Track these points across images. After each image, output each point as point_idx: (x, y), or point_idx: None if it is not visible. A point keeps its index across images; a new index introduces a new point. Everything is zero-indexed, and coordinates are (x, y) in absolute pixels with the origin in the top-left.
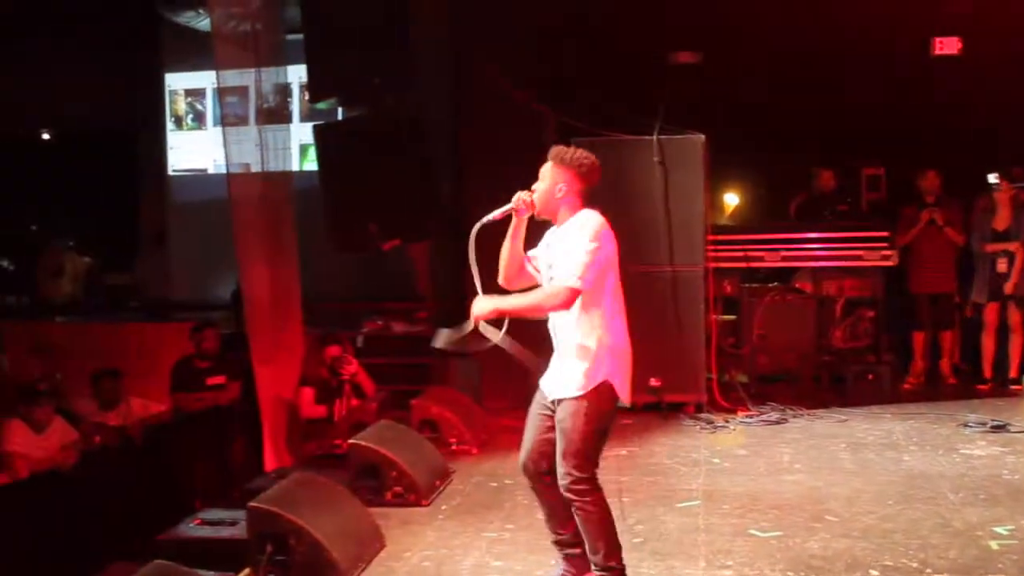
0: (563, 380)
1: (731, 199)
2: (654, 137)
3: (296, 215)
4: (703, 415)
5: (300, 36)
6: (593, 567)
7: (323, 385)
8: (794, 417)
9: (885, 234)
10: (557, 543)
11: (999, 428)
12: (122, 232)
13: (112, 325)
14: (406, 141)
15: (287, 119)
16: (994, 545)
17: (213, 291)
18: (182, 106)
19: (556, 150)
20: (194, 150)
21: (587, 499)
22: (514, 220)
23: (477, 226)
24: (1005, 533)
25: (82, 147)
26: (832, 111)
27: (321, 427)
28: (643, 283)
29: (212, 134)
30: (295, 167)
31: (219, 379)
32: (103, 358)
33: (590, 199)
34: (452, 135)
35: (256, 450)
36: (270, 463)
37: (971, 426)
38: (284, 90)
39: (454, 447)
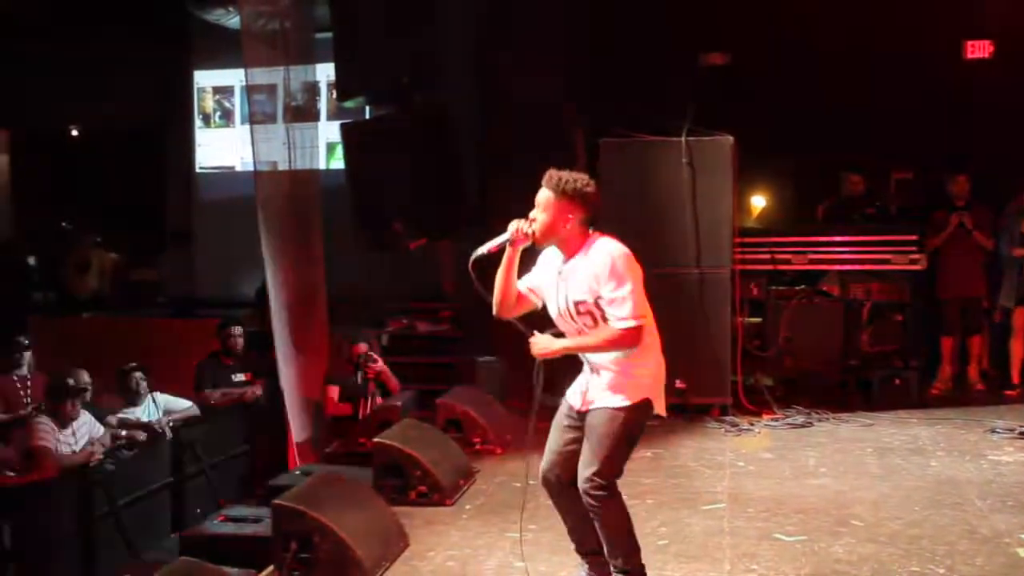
0: (602, 392)
1: (758, 201)
2: (682, 138)
3: (323, 213)
4: (728, 418)
5: (329, 34)
6: (613, 570)
7: (348, 383)
8: (819, 421)
9: (913, 238)
10: (582, 552)
11: None
12: (149, 228)
13: (138, 321)
14: (433, 139)
15: (315, 117)
16: (1022, 552)
17: (239, 289)
18: (210, 103)
19: (555, 180)
20: (222, 147)
21: (608, 504)
22: (508, 251)
23: (472, 258)
24: None
25: (110, 144)
26: (862, 114)
27: (346, 425)
28: (670, 285)
29: (240, 132)
30: (322, 165)
31: (245, 376)
32: (129, 354)
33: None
34: (479, 134)
35: (281, 448)
36: (295, 461)
37: (999, 432)
38: (312, 88)
39: (478, 447)
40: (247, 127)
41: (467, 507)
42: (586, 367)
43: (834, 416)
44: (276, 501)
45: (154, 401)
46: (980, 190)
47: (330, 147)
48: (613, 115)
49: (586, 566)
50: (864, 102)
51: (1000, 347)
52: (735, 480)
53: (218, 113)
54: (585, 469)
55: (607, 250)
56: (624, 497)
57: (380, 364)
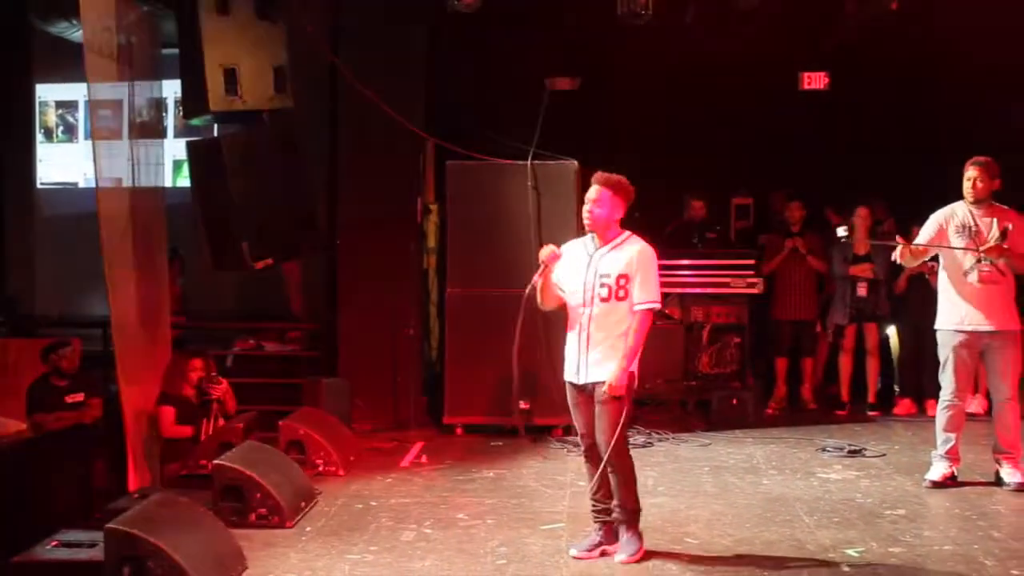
0: (608, 366)
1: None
2: (528, 162)
3: (170, 232)
4: (571, 438)
5: (176, 50)
6: (620, 512)
7: (186, 404)
8: (660, 441)
9: (751, 262)
10: (602, 511)
11: (855, 453)
12: None
13: None
14: (281, 159)
15: (161, 134)
16: (845, 567)
17: (85, 307)
18: (52, 118)
19: (608, 178)
20: (65, 163)
21: (625, 463)
22: (542, 269)
23: (526, 291)
24: (856, 555)
25: None
26: (705, 141)
27: (187, 447)
28: (514, 305)
29: (84, 147)
30: (168, 183)
31: (78, 397)
32: None
33: None
34: (328, 154)
35: (120, 470)
36: (134, 483)
37: (829, 450)
38: (159, 105)
39: (321, 468)
40: (92, 142)
41: (307, 529)
42: (590, 344)
43: (674, 436)
44: (109, 525)
45: None
46: (815, 216)
47: (177, 164)
48: (462, 139)
49: (601, 532)
50: (706, 129)
51: (834, 368)
52: (575, 500)
53: (61, 128)
54: (604, 435)
55: (640, 243)
56: (463, 517)
57: (224, 385)
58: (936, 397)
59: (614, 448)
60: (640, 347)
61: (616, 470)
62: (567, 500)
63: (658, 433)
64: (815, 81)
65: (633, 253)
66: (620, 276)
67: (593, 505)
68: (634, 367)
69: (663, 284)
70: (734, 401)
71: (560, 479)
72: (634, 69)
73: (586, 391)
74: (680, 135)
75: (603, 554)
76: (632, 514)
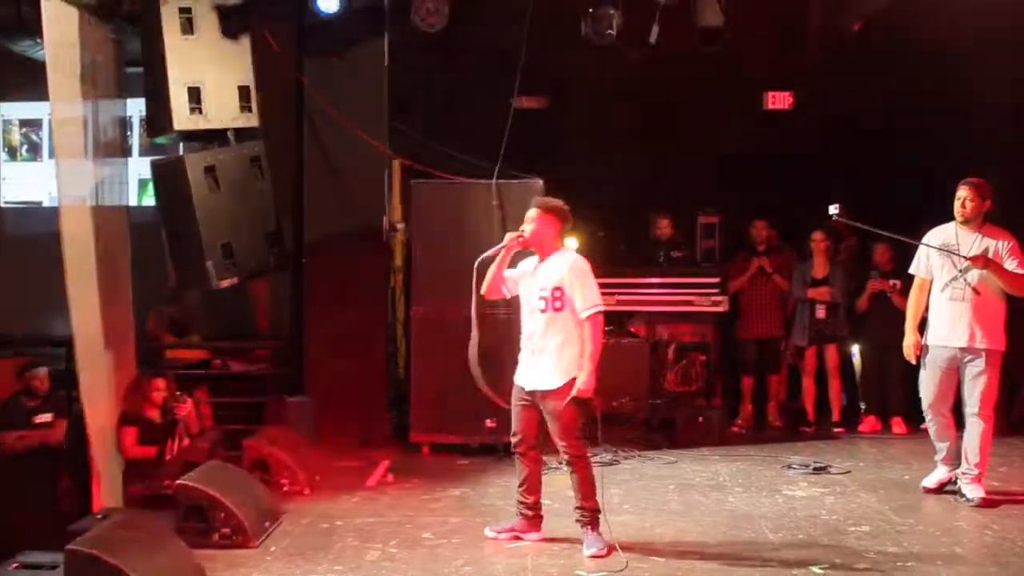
0: (552, 377)
1: (571, 243)
2: (493, 181)
3: (134, 250)
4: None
5: (140, 69)
6: (581, 513)
7: (148, 424)
8: (626, 459)
9: (716, 280)
10: (522, 504)
11: (820, 470)
12: None
13: None
14: (246, 178)
15: (126, 153)
16: None
17: (48, 327)
18: (16, 136)
19: (543, 201)
20: (28, 182)
21: (583, 463)
22: (502, 254)
23: (478, 260)
24: (820, 572)
25: None
26: (671, 159)
27: (150, 467)
28: (482, 323)
29: (48, 166)
30: (133, 201)
31: (46, 417)
32: None
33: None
34: (294, 172)
35: (85, 491)
36: (98, 504)
37: (794, 468)
38: (123, 123)
39: (286, 488)
40: (55, 161)
41: (272, 549)
42: (533, 351)
43: (640, 454)
44: (69, 546)
45: None
46: (787, 234)
47: (142, 183)
48: (427, 157)
49: (519, 519)
50: (672, 147)
51: (796, 386)
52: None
53: (25, 146)
54: (561, 443)
55: (574, 255)
56: (429, 535)
57: (189, 405)
58: (900, 414)
59: (573, 451)
60: (599, 349)
61: (576, 470)
62: None
63: (624, 451)
64: (779, 101)
65: (565, 265)
66: (555, 288)
67: (517, 497)
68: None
69: (629, 302)
70: (700, 419)
71: None
72: (599, 88)
73: (530, 396)
74: (646, 153)
75: (515, 538)
76: (593, 514)
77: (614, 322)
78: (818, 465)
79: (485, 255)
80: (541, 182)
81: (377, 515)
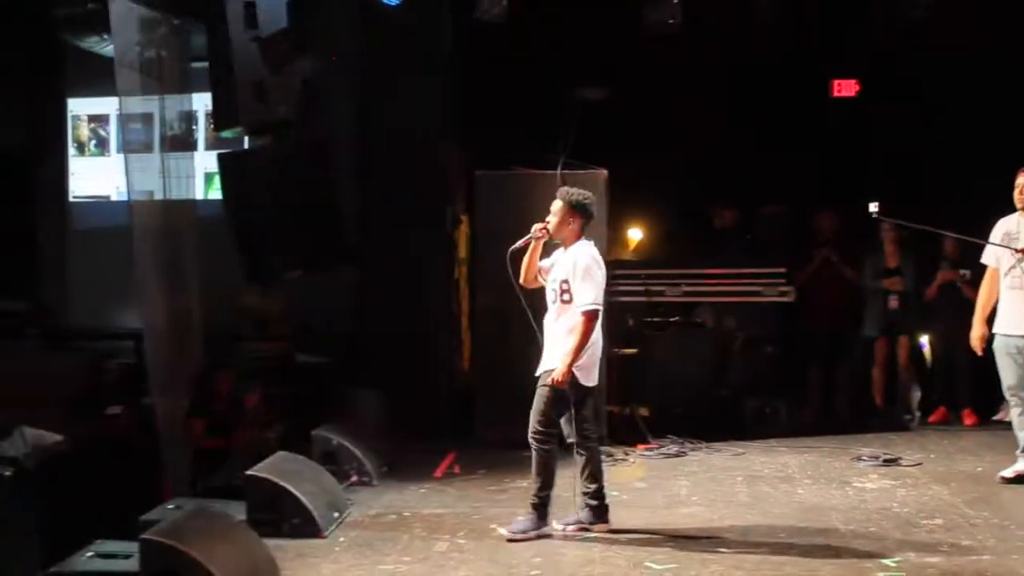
0: (550, 362)
1: (635, 234)
2: (557, 172)
3: (201, 244)
4: (603, 448)
5: (206, 63)
6: (534, 497)
7: (217, 415)
8: (693, 450)
9: (782, 270)
10: (585, 494)
11: (891, 462)
12: (17, 258)
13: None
14: (311, 172)
15: (192, 147)
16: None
17: (117, 319)
18: (85, 132)
19: (565, 192)
20: (96, 176)
21: (546, 446)
22: (532, 244)
23: (510, 251)
24: (892, 565)
25: None
26: (736, 149)
27: (219, 458)
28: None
29: (116, 161)
30: (200, 195)
31: (115, 409)
32: None
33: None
34: (358, 165)
35: (156, 481)
36: (168, 495)
37: (864, 460)
38: (189, 118)
39: (354, 479)
40: (123, 156)
41: (341, 539)
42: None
43: (707, 445)
44: (144, 536)
45: (22, 436)
46: (855, 224)
47: (208, 177)
48: (491, 148)
49: (585, 511)
50: (737, 137)
51: (866, 377)
52: (609, 510)
53: (93, 142)
54: (532, 420)
55: (583, 250)
56: (496, 527)
57: (257, 396)
58: (969, 405)
59: (532, 432)
60: (581, 346)
61: (533, 451)
62: None
63: (691, 442)
64: (845, 88)
65: (573, 259)
66: (563, 281)
67: (580, 488)
68: (579, 362)
69: (695, 293)
70: (767, 410)
71: None
72: (662, 78)
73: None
74: (710, 143)
75: (582, 530)
76: (534, 498)
77: (680, 313)
78: (888, 457)
79: (515, 246)
80: (606, 173)
81: (444, 506)
